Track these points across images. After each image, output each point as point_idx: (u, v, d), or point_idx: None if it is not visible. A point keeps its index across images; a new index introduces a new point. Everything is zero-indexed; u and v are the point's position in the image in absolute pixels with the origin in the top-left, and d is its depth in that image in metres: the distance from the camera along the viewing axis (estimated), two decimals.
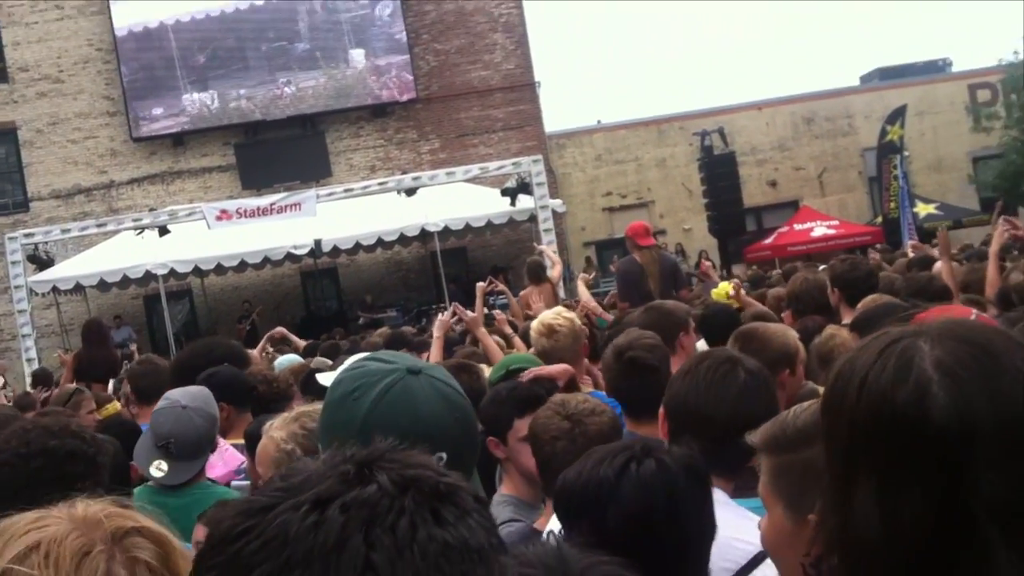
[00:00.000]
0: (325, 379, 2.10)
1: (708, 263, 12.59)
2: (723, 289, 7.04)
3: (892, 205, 26.35)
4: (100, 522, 1.30)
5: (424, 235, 23.99)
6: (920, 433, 1.22)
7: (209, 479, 4.11)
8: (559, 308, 5.35)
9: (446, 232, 23.80)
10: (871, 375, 1.27)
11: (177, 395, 4.09)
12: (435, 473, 0.99)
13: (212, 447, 4.08)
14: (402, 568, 0.90)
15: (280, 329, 9.29)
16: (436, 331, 6.20)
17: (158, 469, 3.79)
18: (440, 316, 6.40)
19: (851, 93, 32.36)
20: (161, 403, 4.05)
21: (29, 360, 19.67)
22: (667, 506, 1.97)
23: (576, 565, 1.47)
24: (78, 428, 3.10)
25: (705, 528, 2.01)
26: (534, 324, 4.81)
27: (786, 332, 4.19)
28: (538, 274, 11.02)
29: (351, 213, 22.51)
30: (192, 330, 25.70)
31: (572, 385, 4.05)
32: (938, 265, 7.70)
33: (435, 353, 5.92)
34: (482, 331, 6.49)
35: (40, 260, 22.32)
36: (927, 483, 1.21)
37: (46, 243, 22.58)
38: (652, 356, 3.73)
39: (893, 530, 1.21)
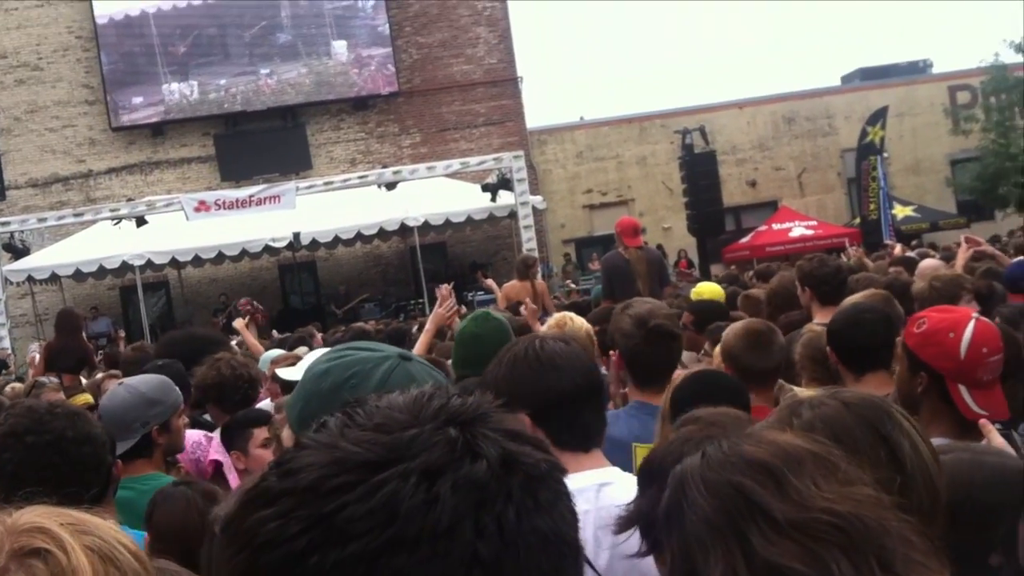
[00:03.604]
0: (289, 374, 2.08)
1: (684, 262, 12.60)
2: (709, 289, 7.01)
3: (872, 207, 26.45)
4: (16, 537, 1.24)
5: (404, 230, 23.92)
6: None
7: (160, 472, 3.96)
8: (566, 313, 5.33)
9: (426, 227, 23.76)
10: None
11: (129, 379, 4.05)
12: (534, 447, 0.93)
13: (141, 432, 3.88)
14: (506, 562, 0.85)
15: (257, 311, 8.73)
16: (430, 324, 6.09)
17: None
18: (437, 308, 6.26)
19: (832, 93, 32.40)
20: None
21: (3, 349, 19.49)
22: None
23: None
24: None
25: None
26: (547, 323, 4.86)
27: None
28: (523, 271, 10.96)
29: (331, 206, 22.44)
30: (168, 322, 25.50)
31: None
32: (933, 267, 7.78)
33: (422, 346, 5.81)
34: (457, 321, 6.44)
35: (16, 249, 22.16)
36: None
37: (22, 232, 22.42)
38: (674, 325, 3.80)
39: None
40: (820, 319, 5.25)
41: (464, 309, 6.56)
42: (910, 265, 8.67)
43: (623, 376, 3.67)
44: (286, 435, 1.84)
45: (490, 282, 11.73)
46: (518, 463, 0.90)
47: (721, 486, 1.42)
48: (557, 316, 4.88)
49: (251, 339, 8.06)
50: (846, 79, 35.04)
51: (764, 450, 1.45)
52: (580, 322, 4.78)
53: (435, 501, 0.84)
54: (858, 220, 27.77)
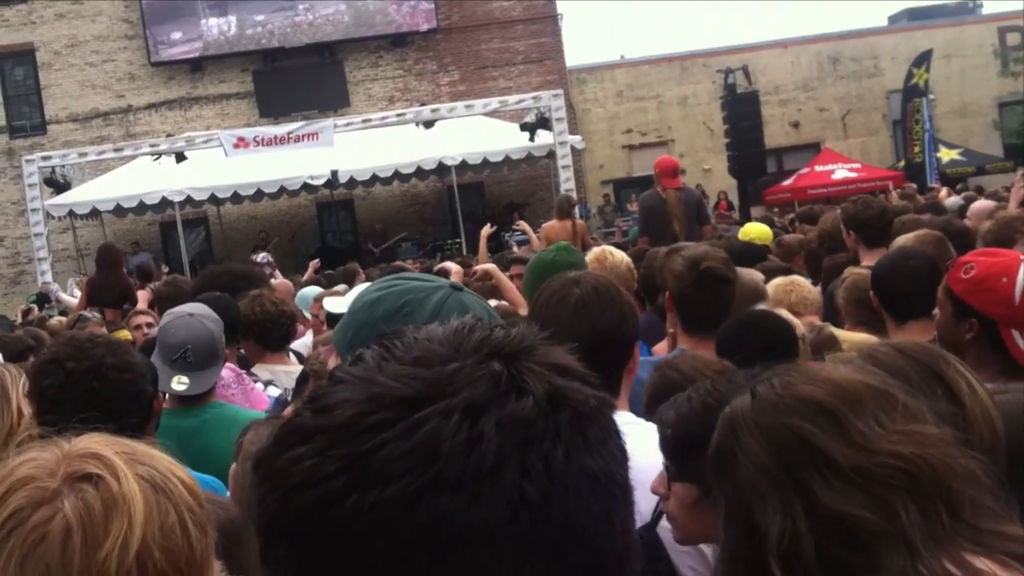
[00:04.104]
0: (335, 305, 2.06)
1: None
2: (756, 230, 6.89)
3: (916, 149, 26.04)
4: (71, 461, 1.27)
5: (441, 169, 23.84)
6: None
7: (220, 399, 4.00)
8: (610, 248, 5.27)
9: (463, 166, 23.65)
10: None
11: (179, 309, 3.99)
12: (582, 382, 0.88)
13: (223, 357, 3.97)
14: (554, 503, 0.81)
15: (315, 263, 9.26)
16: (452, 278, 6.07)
17: (179, 383, 3.67)
18: (449, 264, 6.25)
19: (878, 34, 31.82)
20: (165, 318, 3.92)
21: (45, 284, 19.74)
22: None
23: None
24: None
25: None
26: (587, 257, 4.79)
27: (751, 273, 4.24)
28: (562, 210, 10.87)
29: (368, 144, 22.38)
30: (207, 258, 25.70)
31: None
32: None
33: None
34: (494, 269, 6.43)
35: (57, 183, 22.31)
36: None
37: (63, 166, 22.55)
38: (728, 269, 3.63)
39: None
40: (868, 262, 5.16)
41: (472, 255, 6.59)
42: (939, 213, 8.48)
43: (673, 319, 3.57)
44: (332, 364, 1.81)
45: (523, 224, 11.67)
46: (566, 399, 0.85)
47: (777, 430, 1.37)
48: (596, 250, 4.81)
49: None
50: (893, 19, 34.39)
51: (821, 389, 1.40)
52: (620, 256, 4.72)
53: (478, 440, 0.80)
54: (903, 163, 27.37)
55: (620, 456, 0.89)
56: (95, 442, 1.32)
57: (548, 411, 0.83)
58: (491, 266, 6.60)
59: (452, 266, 6.50)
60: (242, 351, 4.92)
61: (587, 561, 0.83)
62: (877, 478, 1.31)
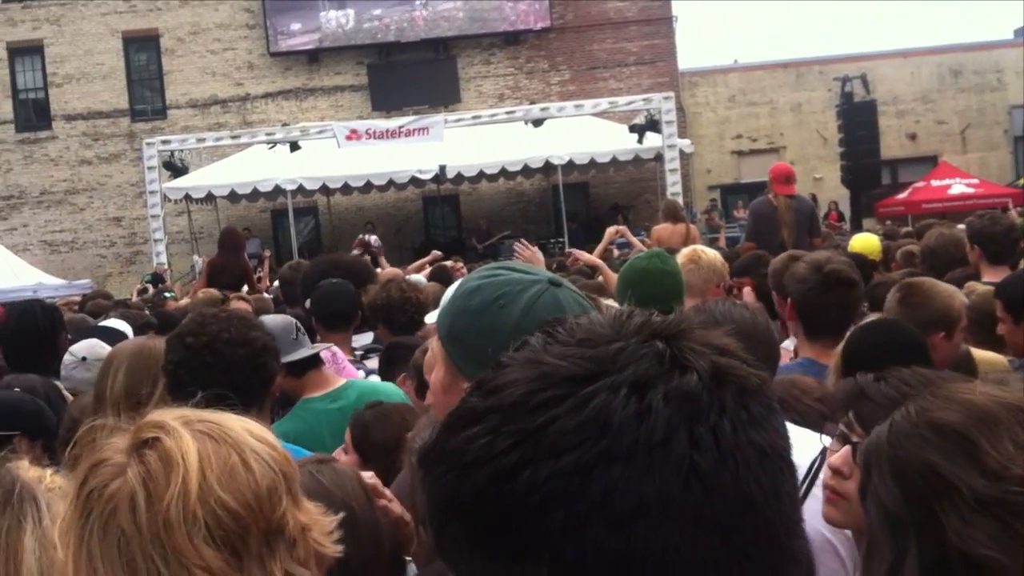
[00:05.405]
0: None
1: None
2: (862, 243, 6.72)
3: None
4: (134, 435, 1.36)
5: (547, 168, 23.86)
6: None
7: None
8: (701, 246, 5.25)
9: (570, 166, 23.65)
10: None
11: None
12: (743, 361, 0.90)
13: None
14: (724, 474, 0.82)
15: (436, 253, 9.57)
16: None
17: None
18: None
19: (1003, 47, 30.83)
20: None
21: (159, 264, 20.31)
22: None
23: None
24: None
25: None
26: (680, 257, 4.79)
27: (953, 295, 3.87)
28: (675, 214, 10.72)
29: (477, 141, 22.51)
30: (316, 247, 26.11)
31: None
32: None
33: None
34: (601, 265, 6.53)
35: (175, 167, 22.93)
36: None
37: (181, 151, 23.16)
38: (853, 271, 3.53)
39: None
40: (990, 278, 5.02)
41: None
42: None
43: (794, 328, 3.52)
44: (434, 344, 1.84)
45: (623, 228, 11.51)
46: (729, 375, 0.87)
47: (909, 463, 1.37)
48: (686, 251, 4.77)
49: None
50: (1019, 32, 33.30)
51: (956, 413, 1.38)
52: (712, 253, 4.74)
53: (647, 412, 0.82)
54: (1022, 181, 26.51)
55: (783, 432, 0.90)
56: (159, 413, 1.40)
57: (713, 386, 0.85)
58: (598, 262, 6.64)
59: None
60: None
61: (760, 534, 0.84)
62: (1009, 508, 1.29)
